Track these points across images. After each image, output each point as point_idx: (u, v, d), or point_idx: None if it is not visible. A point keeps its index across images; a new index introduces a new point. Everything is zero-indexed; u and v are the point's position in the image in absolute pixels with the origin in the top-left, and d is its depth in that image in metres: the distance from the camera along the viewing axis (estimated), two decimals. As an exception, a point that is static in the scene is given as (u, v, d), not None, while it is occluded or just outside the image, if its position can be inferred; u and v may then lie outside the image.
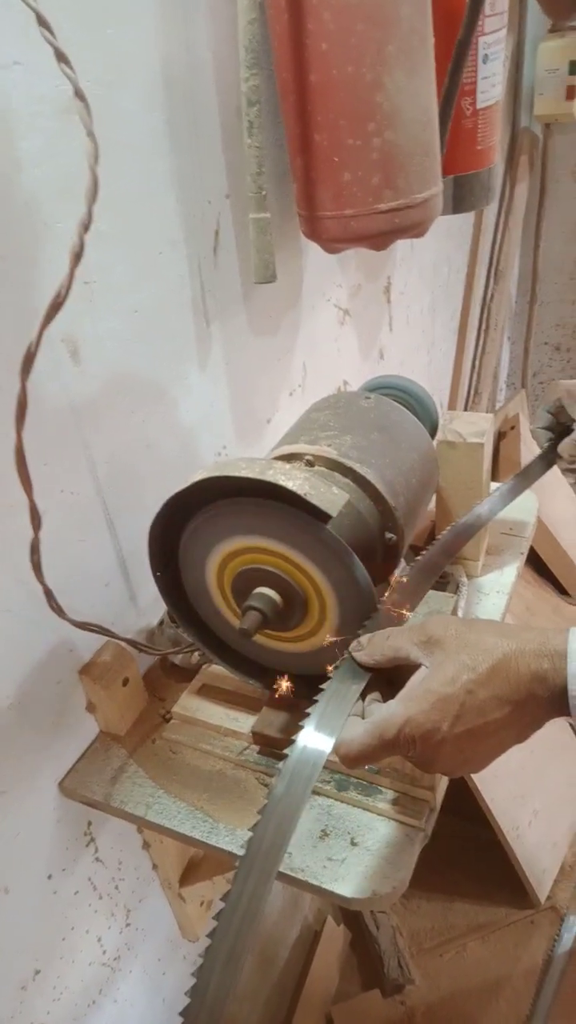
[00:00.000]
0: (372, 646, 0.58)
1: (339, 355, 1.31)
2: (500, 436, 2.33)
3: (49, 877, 0.81)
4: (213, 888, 1.03)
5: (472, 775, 1.55)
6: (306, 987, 1.55)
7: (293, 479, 0.62)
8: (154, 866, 0.99)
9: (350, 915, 1.72)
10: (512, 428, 2.32)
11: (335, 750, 0.54)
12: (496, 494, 0.89)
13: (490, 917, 1.68)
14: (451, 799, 1.48)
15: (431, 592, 0.71)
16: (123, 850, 0.93)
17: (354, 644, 0.59)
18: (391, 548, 0.74)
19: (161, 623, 0.87)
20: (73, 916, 0.86)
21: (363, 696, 0.58)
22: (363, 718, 0.56)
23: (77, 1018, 0.90)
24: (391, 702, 0.54)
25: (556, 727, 1.85)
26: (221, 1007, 0.45)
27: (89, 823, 0.85)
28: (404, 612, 0.64)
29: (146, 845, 0.96)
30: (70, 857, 0.83)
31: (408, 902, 1.73)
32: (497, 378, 2.66)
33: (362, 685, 0.58)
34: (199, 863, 1.01)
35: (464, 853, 1.77)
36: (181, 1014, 0.45)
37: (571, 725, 1.89)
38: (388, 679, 0.59)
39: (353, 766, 0.55)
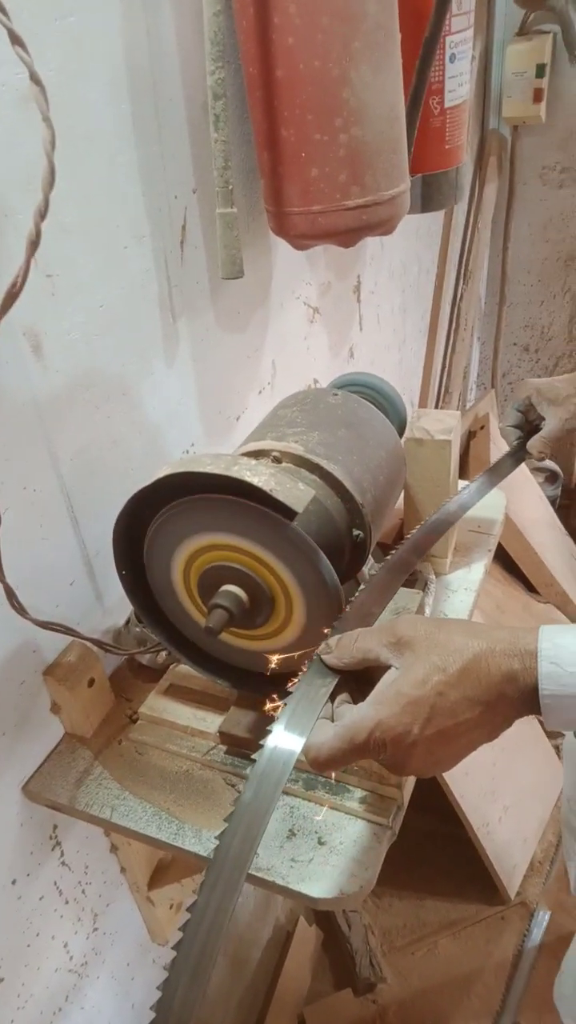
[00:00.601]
0: (341, 648, 0.57)
1: (309, 353, 1.31)
2: (470, 435, 2.34)
3: (13, 882, 0.79)
4: (182, 890, 1.02)
5: (443, 773, 1.55)
6: (278, 988, 1.54)
7: (259, 475, 0.61)
8: (122, 869, 0.98)
9: (322, 915, 1.72)
10: (482, 428, 2.34)
11: (304, 753, 0.53)
12: (466, 491, 0.89)
13: (461, 914, 1.69)
14: (422, 796, 1.48)
15: (401, 589, 0.71)
16: (90, 854, 0.91)
17: (323, 647, 0.59)
18: (358, 545, 0.74)
19: (128, 623, 0.86)
20: (38, 922, 0.84)
21: (332, 697, 0.58)
22: (332, 720, 0.55)
23: (43, 1026, 0.88)
24: (361, 705, 0.54)
25: (525, 723, 1.86)
26: (188, 1020, 0.44)
27: (55, 827, 0.84)
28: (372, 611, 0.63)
29: (114, 848, 0.95)
30: (35, 862, 0.82)
31: (380, 900, 1.74)
32: (467, 378, 2.68)
33: (331, 686, 0.57)
34: (168, 865, 1.00)
35: (435, 850, 1.78)
36: (153, 1008, 0.45)
37: (540, 721, 1.90)
38: (358, 679, 0.58)
39: (323, 770, 0.55)
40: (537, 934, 1.63)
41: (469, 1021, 1.51)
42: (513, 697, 0.51)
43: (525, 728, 1.86)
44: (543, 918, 1.65)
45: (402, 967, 1.61)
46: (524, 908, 1.68)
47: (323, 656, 0.57)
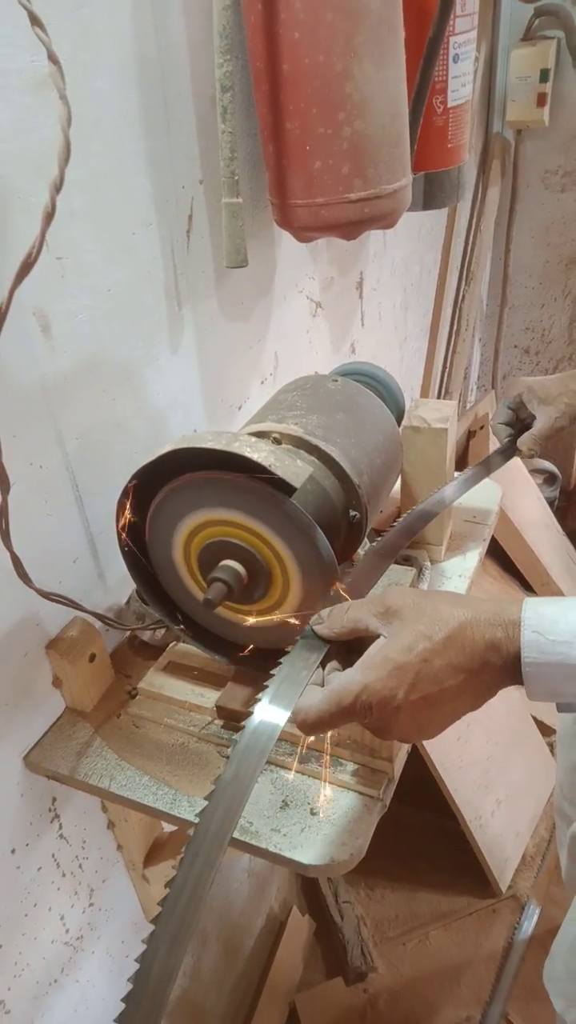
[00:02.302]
0: (332, 619, 0.59)
1: (311, 347, 1.33)
2: (470, 435, 2.37)
3: (12, 851, 0.81)
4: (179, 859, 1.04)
5: (437, 765, 1.57)
6: (271, 976, 1.55)
7: (259, 451, 0.63)
8: (118, 846, 0.99)
9: (315, 905, 1.73)
10: (482, 427, 2.36)
11: (293, 716, 0.55)
12: (454, 482, 0.91)
13: (453, 906, 1.71)
14: (416, 791, 1.51)
15: (392, 566, 0.73)
16: (87, 829, 0.93)
17: (315, 618, 0.61)
18: (355, 526, 0.76)
19: (128, 601, 0.88)
20: (36, 892, 0.86)
21: (323, 665, 0.60)
22: (323, 687, 0.57)
23: (38, 996, 0.90)
24: (349, 670, 0.56)
25: (520, 720, 1.88)
26: (164, 992, 0.45)
27: (54, 799, 0.86)
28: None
29: (111, 825, 0.97)
30: (34, 832, 0.84)
31: (372, 892, 1.75)
32: (468, 379, 2.70)
33: (320, 656, 0.59)
34: (164, 843, 1.02)
35: (429, 844, 1.80)
36: (124, 1000, 0.45)
37: (534, 717, 1.92)
38: (347, 650, 0.60)
39: (311, 733, 0.57)
40: (527, 927, 1.64)
41: (459, 1010, 1.52)
42: (496, 665, 0.53)
43: (519, 724, 1.88)
44: (533, 911, 1.67)
45: (393, 957, 1.63)
46: (515, 901, 1.69)
47: (315, 626, 0.59)
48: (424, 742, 1.56)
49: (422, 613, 0.55)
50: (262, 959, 1.60)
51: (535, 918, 1.66)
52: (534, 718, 1.93)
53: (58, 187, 0.48)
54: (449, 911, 1.70)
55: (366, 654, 0.55)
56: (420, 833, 1.80)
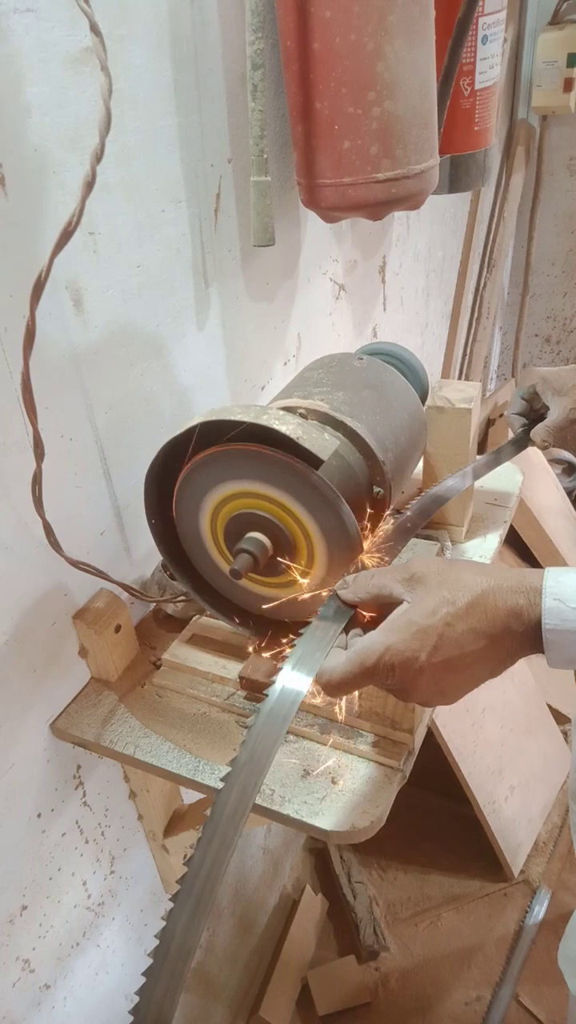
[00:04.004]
0: (357, 584, 0.61)
1: (333, 329, 1.34)
2: (489, 423, 2.36)
3: (38, 816, 0.83)
4: (197, 839, 1.06)
5: (451, 750, 1.58)
6: (283, 952, 1.58)
7: (286, 424, 0.64)
8: (139, 816, 1.01)
9: (328, 885, 1.75)
10: (501, 416, 2.36)
11: (317, 678, 0.56)
12: (468, 468, 0.91)
13: (465, 889, 1.72)
14: (430, 776, 1.52)
15: (417, 541, 0.73)
16: (110, 797, 0.95)
17: (339, 583, 0.62)
18: (379, 502, 0.77)
19: (153, 574, 0.90)
20: (60, 857, 0.88)
21: (346, 631, 0.61)
22: (345, 650, 0.59)
23: (61, 958, 0.92)
24: (372, 632, 0.57)
25: (534, 706, 1.88)
26: (184, 965, 0.45)
27: (78, 767, 0.88)
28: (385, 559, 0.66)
29: (132, 795, 0.99)
30: (59, 798, 0.86)
31: (385, 873, 1.77)
32: (488, 366, 2.69)
33: (343, 623, 0.60)
34: (183, 815, 1.04)
35: (441, 828, 1.81)
36: (150, 954, 0.46)
37: (549, 706, 1.93)
38: (369, 618, 0.61)
39: (334, 694, 0.58)
40: (539, 911, 1.65)
41: (469, 991, 1.54)
42: (517, 631, 0.54)
43: (534, 712, 1.88)
44: (545, 896, 1.68)
45: (405, 937, 1.65)
46: (527, 886, 1.71)
47: (339, 591, 0.60)
48: (439, 727, 1.58)
49: (446, 579, 0.56)
50: (275, 935, 1.63)
51: (546, 903, 1.67)
52: (549, 706, 1.93)
53: (99, 157, 0.49)
54: (461, 894, 1.71)
55: (389, 618, 0.56)
56: (433, 817, 1.82)
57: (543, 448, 0.97)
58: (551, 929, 1.62)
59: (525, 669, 1.90)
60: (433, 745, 1.56)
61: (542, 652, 0.54)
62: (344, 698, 0.74)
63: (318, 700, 0.74)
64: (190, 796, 1.07)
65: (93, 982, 0.99)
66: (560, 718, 1.95)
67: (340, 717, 0.75)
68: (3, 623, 0.72)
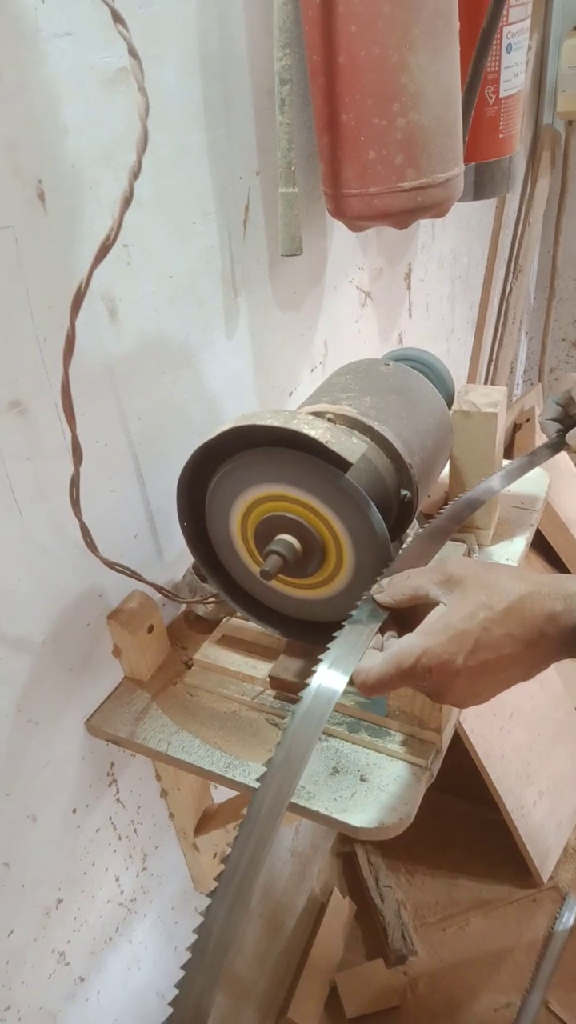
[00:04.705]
0: (392, 587, 0.62)
1: (359, 336, 1.35)
2: (515, 428, 2.36)
3: (73, 811, 0.85)
4: (227, 838, 1.07)
5: (479, 754, 1.58)
6: (312, 954, 1.59)
7: (315, 428, 0.66)
8: (170, 815, 1.03)
9: (356, 888, 1.76)
10: (527, 420, 2.36)
11: (353, 678, 0.57)
12: (500, 472, 0.92)
13: (493, 894, 1.72)
14: (458, 781, 1.52)
15: (448, 543, 0.74)
16: (142, 795, 0.97)
17: (375, 587, 0.63)
18: (406, 505, 0.78)
19: (184, 576, 0.92)
20: (94, 852, 0.90)
21: (381, 633, 0.62)
22: (381, 651, 0.60)
23: (95, 952, 0.94)
24: (410, 635, 0.58)
25: (563, 712, 1.88)
26: (221, 961, 0.46)
27: (112, 764, 0.90)
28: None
29: (163, 793, 1.01)
30: (93, 795, 0.88)
31: (413, 878, 1.77)
32: (514, 372, 2.69)
33: (378, 625, 0.61)
34: (214, 813, 1.06)
35: (469, 832, 1.81)
36: (189, 949, 0.46)
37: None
38: (404, 621, 0.63)
39: (370, 694, 0.59)
40: (569, 918, 1.64)
41: (498, 996, 1.54)
42: (553, 636, 0.55)
43: (563, 718, 1.87)
44: (575, 903, 1.67)
45: (433, 942, 1.65)
46: (556, 892, 1.70)
47: (375, 594, 0.62)
48: (467, 732, 1.58)
49: (483, 583, 0.57)
50: (304, 938, 1.64)
51: (576, 909, 1.66)
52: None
53: (136, 174, 0.51)
54: (489, 899, 1.71)
55: (426, 620, 0.57)
56: (461, 822, 1.82)
57: None
58: (581, 936, 1.61)
59: (553, 674, 1.89)
60: (461, 750, 1.56)
61: None
62: None
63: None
64: (219, 796, 1.09)
65: (125, 977, 1.01)
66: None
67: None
68: (41, 623, 0.75)
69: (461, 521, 0.80)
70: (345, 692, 0.56)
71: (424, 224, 1.55)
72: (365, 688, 0.58)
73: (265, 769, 0.52)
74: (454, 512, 0.79)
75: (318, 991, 1.56)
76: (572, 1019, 1.48)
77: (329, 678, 0.57)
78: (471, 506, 0.83)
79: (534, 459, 0.97)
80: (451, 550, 0.74)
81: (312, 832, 1.70)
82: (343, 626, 0.61)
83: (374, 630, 0.61)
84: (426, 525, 0.75)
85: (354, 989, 1.56)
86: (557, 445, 0.98)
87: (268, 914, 1.50)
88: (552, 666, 0.59)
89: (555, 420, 0.99)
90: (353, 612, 0.62)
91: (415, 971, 1.60)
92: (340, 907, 1.69)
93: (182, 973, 0.46)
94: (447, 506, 0.80)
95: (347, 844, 1.84)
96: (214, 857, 1.10)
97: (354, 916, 1.72)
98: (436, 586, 0.59)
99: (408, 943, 1.62)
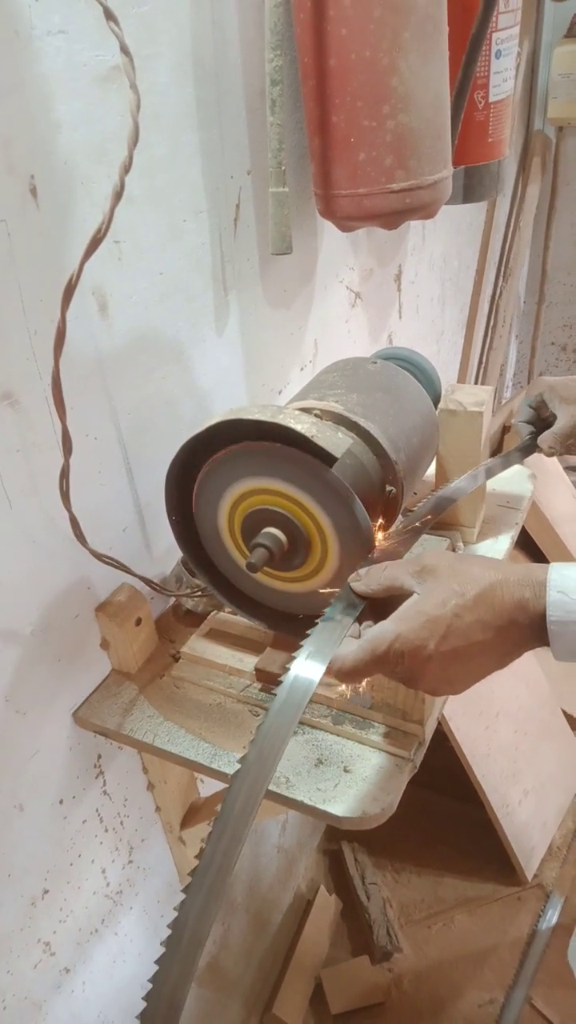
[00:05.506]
0: (369, 576, 0.63)
1: (349, 336, 1.37)
2: (504, 430, 2.38)
3: (60, 802, 0.86)
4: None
5: (464, 752, 1.60)
6: (297, 951, 1.60)
7: (301, 423, 0.67)
8: (157, 808, 1.04)
9: (342, 885, 1.77)
10: (517, 423, 2.37)
11: (330, 666, 0.59)
12: (471, 472, 0.92)
13: (478, 892, 1.73)
14: (444, 779, 1.53)
15: (428, 538, 0.76)
16: (129, 788, 0.98)
17: (352, 576, 0.64)
18: (391, 501, 0.79)
19: (173, 570, 0.93)
20: (80, 844, 0.91)
21: (359, 622, 0.63)
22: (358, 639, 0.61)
23: (80, 943, 0.95)
24: (383, 622, 0.59)
25: (548, 712, 1.89)
26: (194, 955, 0.46)
27: (99, 756, 0.91)
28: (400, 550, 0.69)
29: (150, 786, 1.02)
30: (80, 786, 0.89)
31: (399, 876, 1.78)
32: (503, 375, 2.71)
33: (355, 615, 0.63)
34: (200, 807, 1.06)
35: (455, 831, 1.82)
36: (163, 943, 0.46)
37: (564, 712, 1.93)
38: (381, 611, 0.64)
39: (346, 681, 0.60)
40: (552, 915, 1.66)
41: (482, 993, 1.55)
42: (523, 624, 0.56)
43: (548, 717, 1.89)
44: (559, 901, 1.68)
45: (418, 939, 1.66)
46: (540, 890, 1.71)
47: (352, 583, 0.63)
48: (453, 730, 1.59)
49: (456, 572, 0.58)
50: (289, 934, 1.65)
51: (560, 907, 1.67)
52: (564, 712, 1.94)
53: (127, 168, 0.52)
54: (474, 897, 1.72)
55: (400, 608, 0.59)
56: (447, 820, 1.83)
57: (550, 455, 0.99)
58: (565, 933, 1.62)
59: (539, 673, 1.91)
60: (447, 748, 1.57)
61: (547, 644, 0.56)
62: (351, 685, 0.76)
63: (342, 689, 0.75)
64: (206, 789, 1.10)
65: (111, 969, 1.02)
66: (575, 723, 1.96)
67: (348, 694, 0.76)
68: (30, 614, 0.76)
69: (438, 515, 0.81)
70: (330, 685, 0.57)
71: (415, 226, 1.56)
72: (341, 674, 0.59)
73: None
74: (430, 507, 0.80)
75: (303, 987, 1.57)
76: (555, 1016, 1.49)
77: (306, 668, 0.58)
78: (445, 503, 0.84)
79: (508, 460, 0.98)
80: (435, 546, 0.75)
81: (299, 829, 1.71)
82: (323, 615, 0.62)
83: (352, 620, 0.62)
84: (403, 519, 0.76)
85: (339, 985, 1.57)
86: (529, 447, 0.99)
87: (254, 910, 1.51)
88: (539, 666, 0.60)
89: (528, 423, 1.01)
90: (329, 605, 0.63)
91: (400, 968, 1.61)
92: (326, 904, 1.70)
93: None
94: (423, 502, 0.81)
95: (334, 842, 1.85)
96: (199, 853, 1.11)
97: (340, 913, 1.73)
98: (411, 576, 0.60)
99: (393, 940, 1.63)
